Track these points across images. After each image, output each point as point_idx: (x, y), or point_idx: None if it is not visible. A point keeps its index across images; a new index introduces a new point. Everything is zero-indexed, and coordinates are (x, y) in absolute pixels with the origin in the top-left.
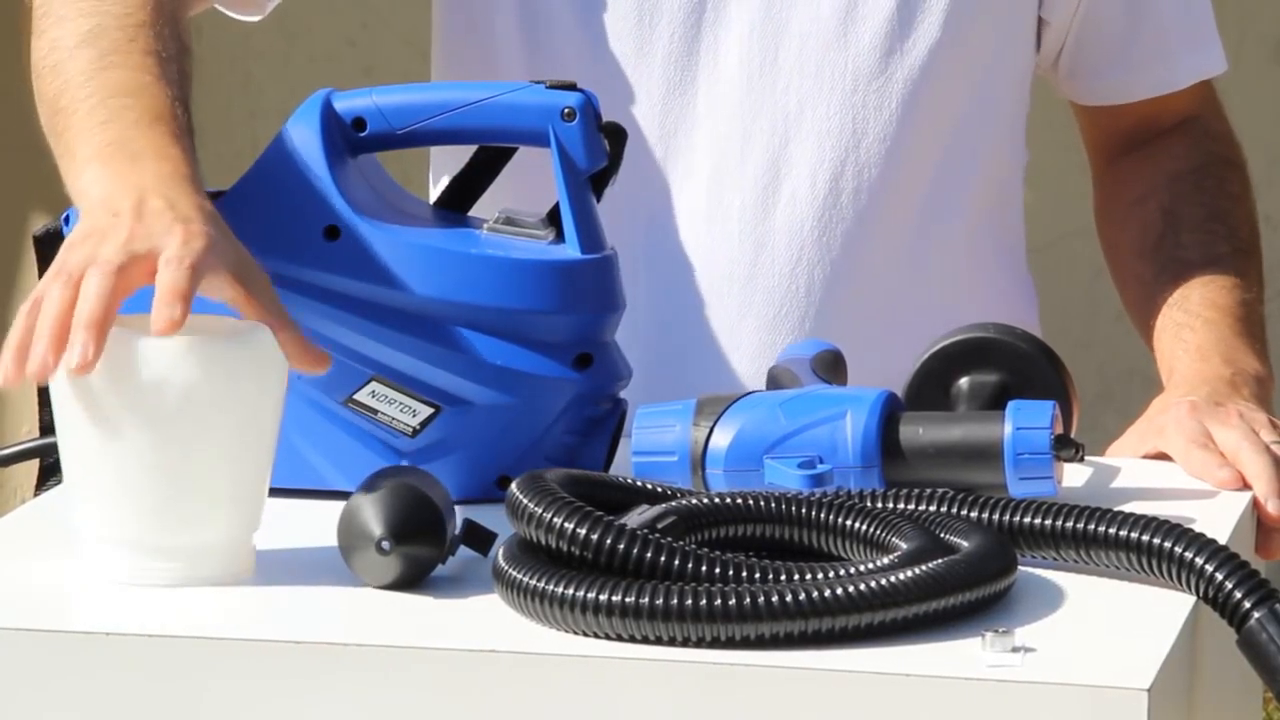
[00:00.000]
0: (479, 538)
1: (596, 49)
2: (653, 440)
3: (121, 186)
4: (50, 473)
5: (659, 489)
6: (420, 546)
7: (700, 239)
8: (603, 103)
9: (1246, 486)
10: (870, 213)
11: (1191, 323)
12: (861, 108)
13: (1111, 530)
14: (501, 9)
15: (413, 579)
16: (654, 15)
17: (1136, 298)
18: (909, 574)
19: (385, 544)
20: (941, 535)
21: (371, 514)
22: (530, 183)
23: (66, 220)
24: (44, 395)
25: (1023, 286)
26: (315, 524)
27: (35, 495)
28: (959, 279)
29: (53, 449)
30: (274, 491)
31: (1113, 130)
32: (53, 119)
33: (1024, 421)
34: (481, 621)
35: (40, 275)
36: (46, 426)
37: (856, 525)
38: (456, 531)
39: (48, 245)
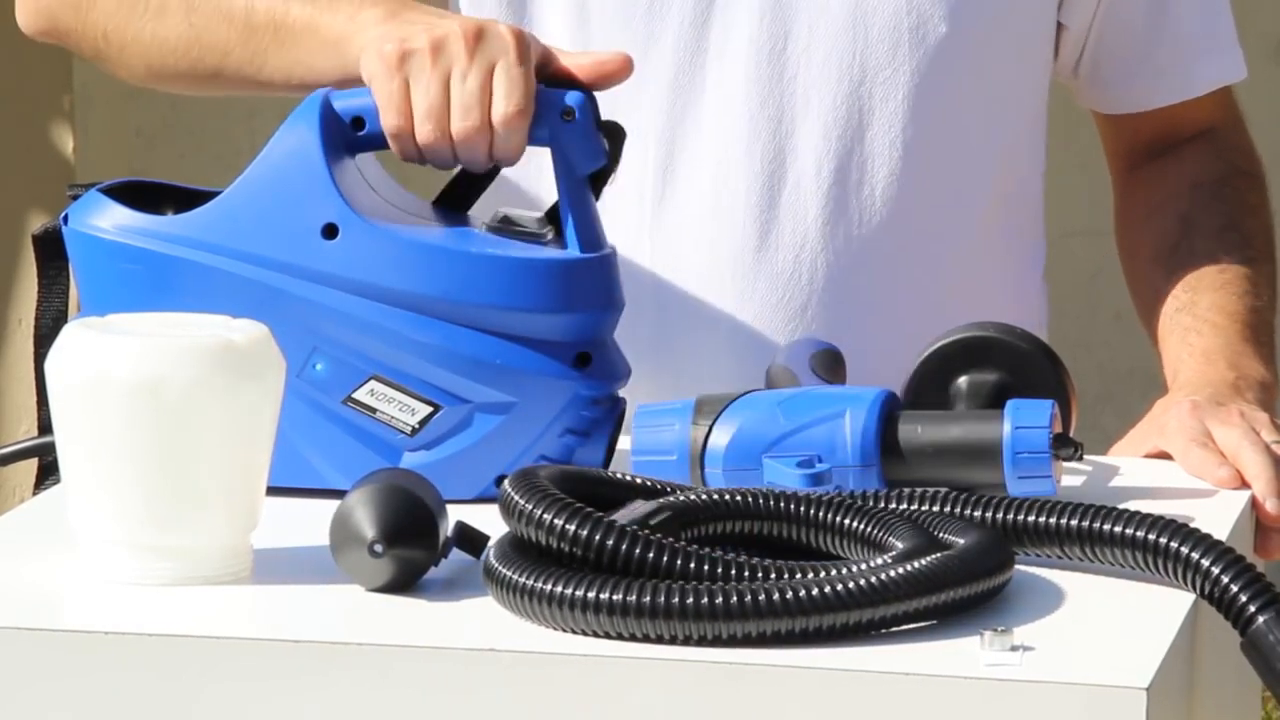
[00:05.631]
0: (471, 540)
1: (605, 35)
2: (652, 439)
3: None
4: (49, 472)
5: (653, 484)
6: (412, 549)
7: (704, 225)
8: (611, 90)
9: (1245, 485)
10: (876, 206)
11: (1199, 327)
12: (869, 99)
13: (1115, 528)
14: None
15: (405, 582)
16: (665, 2)
17: (1148, 302)
18: (904, 570)
19: (377, 547)
20: (938, 534)
21: (363, 516)
22: (530, 182)
23: (65, 220)
24: (43, 394)
25: (1034, 293)
26: (314, 523)
27: (34, 494)
28: (966, 280)
29: (52, 448)
30: (272, 491)
31: (1134, 138)
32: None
33: (1023, 420)
34: (480, 621)
35: (40, 275)
36: (45, 425)
37: (853, 524)
38: (449, 534)
39: (48, 245)
